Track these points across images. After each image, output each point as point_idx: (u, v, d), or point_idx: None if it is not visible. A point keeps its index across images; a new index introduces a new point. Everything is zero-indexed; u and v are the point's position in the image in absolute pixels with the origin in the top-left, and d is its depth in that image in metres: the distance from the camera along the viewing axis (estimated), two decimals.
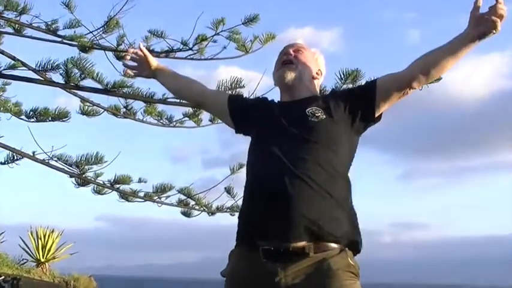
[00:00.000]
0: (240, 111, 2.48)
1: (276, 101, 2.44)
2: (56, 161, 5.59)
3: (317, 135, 2.13)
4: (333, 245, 2.03)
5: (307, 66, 2.38)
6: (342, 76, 4.25)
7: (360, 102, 2.23)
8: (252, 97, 4.85)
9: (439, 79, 3.97)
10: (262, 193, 2.09)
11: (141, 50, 2.73)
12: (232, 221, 6.11)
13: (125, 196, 5.99)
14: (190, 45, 5.42)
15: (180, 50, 5.44)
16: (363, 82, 4.23)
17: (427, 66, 2.19)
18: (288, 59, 2.37)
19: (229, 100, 2.54)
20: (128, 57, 2.79)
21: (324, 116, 2.18)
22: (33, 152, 5.51)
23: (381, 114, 2.28)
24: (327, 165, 2.10)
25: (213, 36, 5.34)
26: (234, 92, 4.81)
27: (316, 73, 2.43)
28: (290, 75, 2.32)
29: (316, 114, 2.18)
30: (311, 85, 2.38)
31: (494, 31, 2.09)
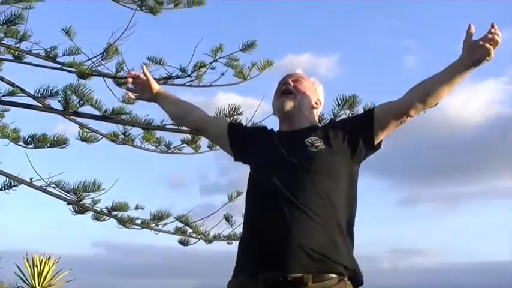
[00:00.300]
0: (240, 140, 2.48)
1: (276, 130, 2.44)
2: (53, 187, 5.56)
3: (316, 165, 2.13)
4: (332, 275, 2.02)
5: (306, 96, 2.39)
6: (340, 102, 4.27)
7: (359, 131, 2.24)
8: (250, 124, 4.87)
9: (435, 105, 3.99)
10: (262, 223, 2.08)
11: (144, 73, 2.73)
12: (230, 248, 6.07)
13: (123, 223, 5.96)
14: (189, 72, 5.46)
15: (179, 77, 5.48)
16: (360, 108, 4.26)
17: (423, 94, 2.20)
18: (287, 89, 2.38)
19: (229, 128, 2.55)
20: (130, 81, 2.79)
21: (323, 146, 2.18)
22: (31, 179, 5.49)
23: (380, 141, 2.28)
24: (326, 195, 2.10)
25: (211, 63, 5.37)
26: (232, 119, 4.82)
27: (315, 103, 2.44)
28: (289, 105, 2.33)
29: (315, 144, 2.18)
30: (310, 115, 2.39)
31: (488, 58, 2.10)
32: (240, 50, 5.36)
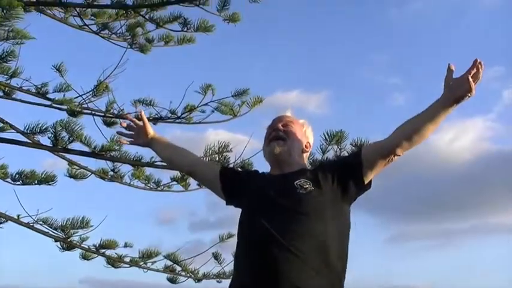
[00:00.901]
0: (231, 183, 2.49)
1: (266, 173, 2.45)
2: (40, 224, 5.51)
3: (306, 207, 2.14)
4: None
5: (296, 140, 2.39)
6: (327, 137, 4.30)
7: (348, 172, 2.25)
8: (239, 161, 4.87)
9: (420, 142, 4.03)
10: (252, 265, 2.08)
11: (141, 117, 2.73)
12: (219, 286, 6.00)
13: (111, 262, 5.89)
14: (179, 114, 5.50)
15: (169, 118, 5.51)
16: (347, 143, 4.30)
17: (409, 133, 2.22)
18: (278, 135, 2.38)
19: (221, 172, 2.55)
20: (124, 125, 2.78)
21: (312, 188, 2.18)
22: (18, 216, 5.44)
23: (370, 181, 2.29)
24: (316, 237, 2.11)
25: (201, 106, 5.42)
26: (222, 157, 4.83)
27: (305, 146, 2.45)
28: (280, 150, 2.33)
29: (305, 186, 2.18)
30: (300, 158, 2.40)
31: (469, 94, 2.12)
32: (232, 96, 5.43)
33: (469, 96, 2.13)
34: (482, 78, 2.12)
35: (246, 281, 2.09)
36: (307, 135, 2.50)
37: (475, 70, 2.10)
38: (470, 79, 2.09)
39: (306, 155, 2.48)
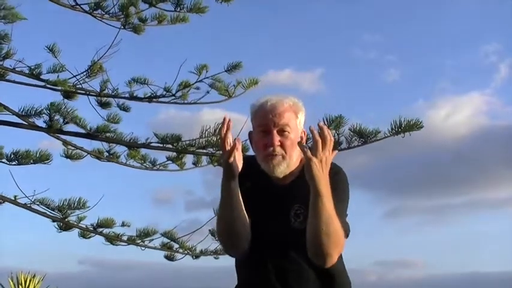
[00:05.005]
0: None
1: (261, 171, 2.23)
2: (37, 205, 5.55)
3: (297, 245, 2.08)
4: None
5: (294, 151, 2.20)
6: (326, 122, 4.30)
7: None
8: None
9: (419, 126, 4.08)
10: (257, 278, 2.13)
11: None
12: (217, 263, 6.07)
13: (109, 240, 5.94)
14: (174, 92, 5.50)
15: (164, 96, 5.51)
16: (345, 128, 4.32)
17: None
18: (275, 153, 2.17)
19: None
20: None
21: (305, 222, 2.06)
22: (15, 196, 5.47)
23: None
24: (311, 277, 2.14)
25: (195, 82, 5.42)
26: (218, 138, 4.83)
27: (301, 138, 2.21)
28: (280, 169, 2.17)
29: (298, 219, 2.13)
30: (297, 160, 2.23)
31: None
32: (225, 70, 5.42)
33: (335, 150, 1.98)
34: None
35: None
36: (301, 125, 2.26)
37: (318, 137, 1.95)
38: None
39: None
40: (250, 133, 2.31)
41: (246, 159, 2.24)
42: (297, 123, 2.23)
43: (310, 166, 1.92)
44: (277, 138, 2.16)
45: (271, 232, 2.13)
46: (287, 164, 2.17)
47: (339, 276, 2.19)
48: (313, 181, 1.93)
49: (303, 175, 2.02)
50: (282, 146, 2.17)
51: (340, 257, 2.17)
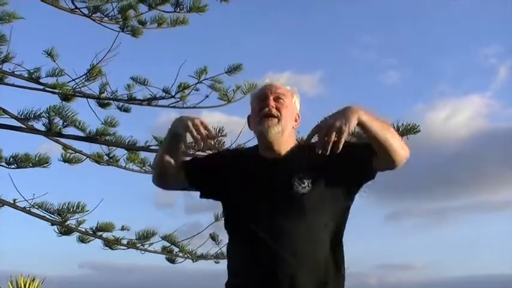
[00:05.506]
0: (205, 179, 2.29)
1: (254, 151, 2.30)
2: (37, 208, 5.53)
3: (303, 207, 2.08)
4: None
5: (289, 117, 2.25)
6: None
7: (355, 169, 2.14)
8: (235, 145, 4.85)
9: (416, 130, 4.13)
10: (252, 271, 2.08)
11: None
12: (217, 266, 6.04)
13: (109, 244, 5.93)
14: (173, 93, 5.48)
15: (163, 98, 5.50)
16: None
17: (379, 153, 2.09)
18: (271, 113, 2.21)
19: (187, 172, 2.29)
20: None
21: (310, 188, 2.10)
22: (14, 200, 5.46)
23: (375, 172, 2.19)
24: (319, 238, 2.09)
25: (195, 84, 5.40)
26: (217, 141, 4.81)
27: (295, 120, 2.31)
28: (274, 131, 2.18)
29: (302, 185, 2.09)
30: (290, 136, 2.27)
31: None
32: (225, 72, 5.40)
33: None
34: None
35: (246, 281, 2.10)
36: (296, 106, 2.33)
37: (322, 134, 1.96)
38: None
39: (296, 128, 2.32)
40: (249, 116, 2.36)
41: (240, 150, 2.28)
42: (292, 101, 2.30)
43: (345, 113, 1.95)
44: (273, 102, 2.22)
45: (270, 201, 2.10)
46: (282, 127, 2.19)
47: (342, 251, 2.16)
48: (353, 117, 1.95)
49: (300, 149, 2.16)
50: (277, 108, 2.21)
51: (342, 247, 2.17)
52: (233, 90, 5.41)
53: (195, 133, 2.06)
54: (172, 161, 2.22)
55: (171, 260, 6.08)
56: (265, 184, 2.13)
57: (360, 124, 1.97)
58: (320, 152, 1.95)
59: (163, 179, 2.32)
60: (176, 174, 2.26)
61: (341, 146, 1.92)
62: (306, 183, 2.10)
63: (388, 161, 2.08)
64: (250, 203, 2.14)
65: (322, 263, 2.08)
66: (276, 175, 2.15)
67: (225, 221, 2.26)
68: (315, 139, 2.00)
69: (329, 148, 1.92)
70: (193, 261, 6.13)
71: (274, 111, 2.21)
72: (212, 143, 2.27)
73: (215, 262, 6.06)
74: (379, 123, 2.03)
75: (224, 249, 5.67)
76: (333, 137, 1.92)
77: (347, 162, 2.08)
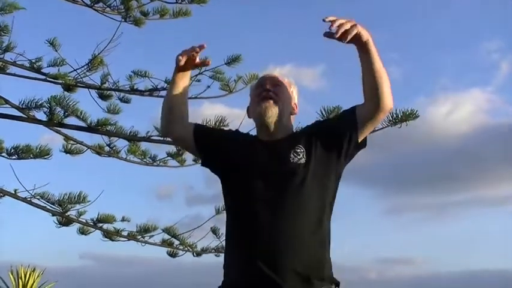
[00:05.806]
0: (209, 144, 2.33)
1: (253, 136, 2.35)
2: (38, 199, 5.52)
3: (300, 180, 2.11)
4: (319, 282, 2.06)
5: (287, 102, 2.31)
6: (324, 113, 4.26)
7: (343, 131, 2.19)
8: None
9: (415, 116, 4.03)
10: (250, 242, 2.09)
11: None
12: (218, 259, 6.03)
13: (109, 235, 5.92)
14: None
15: (164, 89, 5.46)
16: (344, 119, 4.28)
17: (367, 96, 2.15)
18: (268, 95, 2.26)
19: (195, 129, 2.35)
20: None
21: (306, 158, 2.14)
22: (15, 190, 5.45)
23: (365, 139, 2.24)
24: (312, 210, 2.11)
25: (196, 75, 5.39)
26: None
27: (293, 108, 2.35)
28: (271, 113, 2.23)
29: (298, 157, 2.15)
30: (288, 122, 2.32)
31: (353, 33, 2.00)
32: (225, 63, 5.39)
33: (357, 33, 2.01)
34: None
35: (243, 258, 2.09)
36: (294, 95, 2.37)
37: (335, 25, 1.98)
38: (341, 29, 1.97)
39: (293, 117, 2.39)
40: (248, 107, 2.41)
41: (240, 132, 2.41)
42: (290, 90, 2.36)
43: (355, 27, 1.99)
44: (271, 86, 2.29)
45: (269, 171, 2.14)
46: (279, 110, 2.23)
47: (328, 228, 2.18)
48: (366, 45, 2.05)
49: (296, 136, 2.25)
50: (275, 92, 2.27)
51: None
52: (234, 80, 5.41)
53: (188, 50, 2.19)
54: (179, 93, 2.29)
55: (172, 254, 6.06)
56: (263, 162, 2.18)
57: (367, 46, 2.06)
58: (330, 29, 1.99)
59: (172, 120, 2.31)
60: (184, 124, 2.31)
61: (349, 37, 1.98)
62: (301, 155, 2.15)
63: (373, 103, 2.12)
64: (248, 177, 2.17)
65: (312, 231, 2.09)
66: (272, 153, 2.19)
67: (223, 195, 2.28)
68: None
69: (340, 32, 1.97)
70: (193, 255, 6.12)
71: (271, 93, 2.27)
72: (205, 60, 2.29)
73: (216, 256, 6.06)
74: (380, 61, 2.11)
75: (224, 243, 5.67)
76: (348, 26, 1.98)
77: (334, 124, 2.30)
